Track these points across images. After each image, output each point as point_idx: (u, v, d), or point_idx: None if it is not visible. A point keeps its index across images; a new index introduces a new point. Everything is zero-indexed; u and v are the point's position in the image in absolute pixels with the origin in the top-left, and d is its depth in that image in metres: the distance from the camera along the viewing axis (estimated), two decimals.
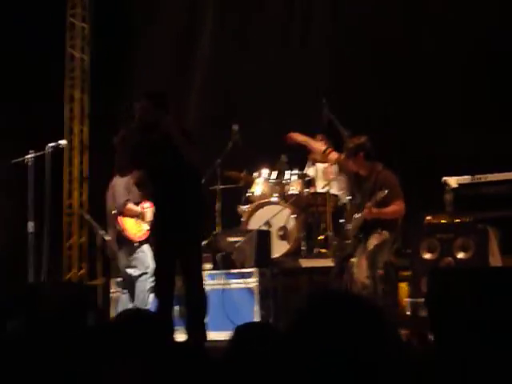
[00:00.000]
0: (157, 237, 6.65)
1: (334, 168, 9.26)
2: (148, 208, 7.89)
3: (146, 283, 7.79)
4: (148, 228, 7.86)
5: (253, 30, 10.71)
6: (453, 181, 7.07)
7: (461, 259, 7.34)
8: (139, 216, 7.94)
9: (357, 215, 7.27)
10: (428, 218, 7.69)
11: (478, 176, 6.96)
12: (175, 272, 6.41)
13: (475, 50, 9.17)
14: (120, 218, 7.91)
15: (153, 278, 7.54)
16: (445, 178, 7.28)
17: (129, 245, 7.91)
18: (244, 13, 10.72)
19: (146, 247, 7.88)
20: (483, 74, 9.11)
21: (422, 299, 6.71)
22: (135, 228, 7.92)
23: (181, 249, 6.28)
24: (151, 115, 6.23)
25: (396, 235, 7.34)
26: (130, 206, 7.92)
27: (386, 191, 6.95)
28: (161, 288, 6.39)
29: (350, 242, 7.44)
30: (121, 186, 7.88)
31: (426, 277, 6.06)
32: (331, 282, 8.10)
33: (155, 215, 6.67)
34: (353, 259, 8.05)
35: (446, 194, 7.56)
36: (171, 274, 6.34)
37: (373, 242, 7.18)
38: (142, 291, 7.81)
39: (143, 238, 7.92)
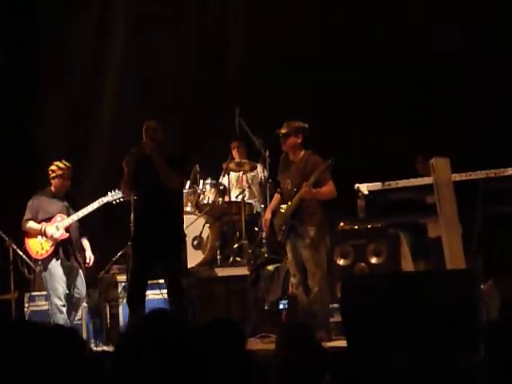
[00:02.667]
0: (133, 248, 6.97)
1: (248, 176, 9.32)
2: (49, 225, 7.68)
3: (52, 306, 7.52)
4: (51, 245, 7.64)
5: (168, 36, 10.71)
6: (364, 187, 7.17)
7: (374, 264, 7.47)
8: (42, 234, 7.66)
9: (290, 202, 7.09)
10: (341, 224, 7.79)
11: (388, 182, 7.07)
12: (147, 284, 6.86)
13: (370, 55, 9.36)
14: (25, 237, 7.77)
15: (59, 301, 7.45)
16: (357, 185, 7.38)
17: (34, 264, 7.74)
18: (159, 23, 10.70)
19: (52, 267, 7.61)
20: (396, 84, 9.31)
21: (337, 305, 6.78)
22: (37, 246, 7.67)
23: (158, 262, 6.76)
24: (159, 138, 6.82)
25: (324, 231, 7.12)
26: (30, 224, 7.70)
27: (323, 166, 6.92)
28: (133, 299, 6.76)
29: (279, 239, 7.20)
30: (29, 204, 7.75)
31: (340, 283, 6.13)
32: (247, 291, 8.14)
33: (133, 229, 6.99)
34: (269, 267, 8.08)
35: (358, 200, 7.65)
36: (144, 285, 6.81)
37: (306, 241, 7.01)
38: (51, 314, 7.52)
39: (44, 257, 7.64)
